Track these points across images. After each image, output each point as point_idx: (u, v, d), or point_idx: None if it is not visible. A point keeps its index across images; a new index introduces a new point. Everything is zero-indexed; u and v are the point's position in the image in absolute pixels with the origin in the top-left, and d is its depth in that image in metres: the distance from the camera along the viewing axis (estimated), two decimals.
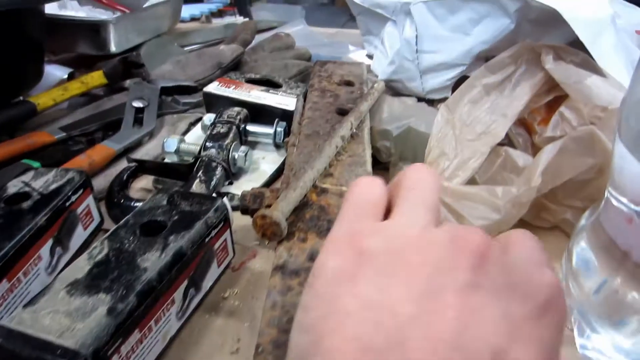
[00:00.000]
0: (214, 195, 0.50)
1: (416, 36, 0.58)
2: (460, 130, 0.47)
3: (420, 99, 0.58)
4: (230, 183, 0.55)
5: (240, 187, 0.54)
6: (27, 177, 0.42)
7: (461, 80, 0.57)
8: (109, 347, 0.28)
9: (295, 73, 0.78)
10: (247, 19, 1.00)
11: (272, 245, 0.47)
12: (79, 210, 0.43)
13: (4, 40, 0.64)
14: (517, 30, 0.57)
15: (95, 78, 0.77)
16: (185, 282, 0.36)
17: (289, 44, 0.91)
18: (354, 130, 0.48)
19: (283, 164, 0.58)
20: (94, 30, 0.89)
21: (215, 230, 0.39)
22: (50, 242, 0.39)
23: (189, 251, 0.36)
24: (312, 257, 0.33)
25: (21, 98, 0.68)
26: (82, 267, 0.33)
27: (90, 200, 0.44)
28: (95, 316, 0.29)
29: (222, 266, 0.42)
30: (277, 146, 0.60)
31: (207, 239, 0.38)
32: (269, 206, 0.44)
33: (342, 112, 0.53)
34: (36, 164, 0.53)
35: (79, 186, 0.42)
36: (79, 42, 0.92)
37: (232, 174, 0.55)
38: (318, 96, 0.57)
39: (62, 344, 0.26)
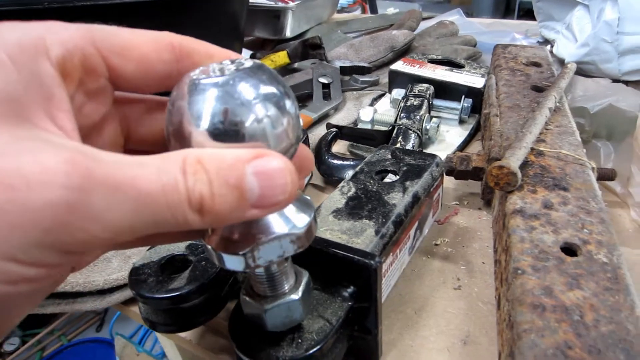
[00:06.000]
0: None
1: (618, 18, 0.59)
2: None
3: (614, 81, 0.59)
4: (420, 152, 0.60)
5: None
6: None
7: None
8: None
9: (465, 57, 0.81)
10: (412, 9, 1.04)
11: (471, 204, 0.51)
12: None
13: (211, 18, 0.74)
14: None
15: (281, 57, 0.86)
16: (417, 223, 0.41)
17: (454, 31, 0.94)
18: (557, 104, 0.50)
19: (469, 136, 0.62)
20: (275, 16, 0.99)
21: (435, 183, 0.44)
22: None
23: (422, 196, 0.41)
24: (546, 205, 0.37)
25: None
26: (338, 199, 0.40)
27: None
28: (366, 235, 0.35)
29: (434, 217, 0.46)
30: (461, 121, 0.64)
31: (430, 189, 0.43)
32: (476, 169, 0.48)
33: (538, 89, 0.55)
34: None
35: None
36: (258, 26, 1.03)
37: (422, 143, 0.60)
38: (509, 75, 0.59)
39: (357, 247, 0.32)
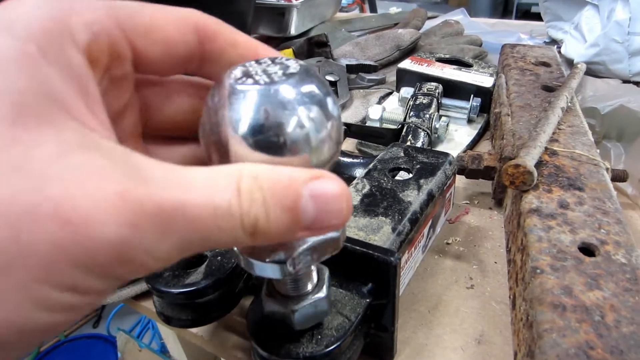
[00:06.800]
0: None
1: (629, 18, 0.59)
2: None
3: (623, 82, 0.59)
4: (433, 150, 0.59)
5: None
6: None
7: None
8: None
9: (471, 57, 0.81)
10: (416, 8, 1.04)
11: (481, 204, 0.51)
12: None
13: (218, 17, 0.74)
14: None
15: (287, 55, 0.85)
16: (430, 222, 0.41)
17: (459, 31, 0.94)
18: (569, 104, 0.50)
19: (478, 135, 0.62)
20: (280, 13, 0.98)
21: (448, 181, 0.44)
22: None
23: (436, 194, 0.41)
24: (562, 205, 0.36)
25: None
26: (353, 196, 0.39)
27: None
28: (383, 232, 0.35)
29: (446, 216, 0.46)
30: (470, 120, 0.64)
31: (444, 187, 0.43)
32: (487, 168, 0.48)
33: (548, 89, 0.55)
34: None
35: None
36: (263, 24, 1.02)
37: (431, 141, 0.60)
38: (518, 74, 0.59)
39: (375, 244, 0.32)
